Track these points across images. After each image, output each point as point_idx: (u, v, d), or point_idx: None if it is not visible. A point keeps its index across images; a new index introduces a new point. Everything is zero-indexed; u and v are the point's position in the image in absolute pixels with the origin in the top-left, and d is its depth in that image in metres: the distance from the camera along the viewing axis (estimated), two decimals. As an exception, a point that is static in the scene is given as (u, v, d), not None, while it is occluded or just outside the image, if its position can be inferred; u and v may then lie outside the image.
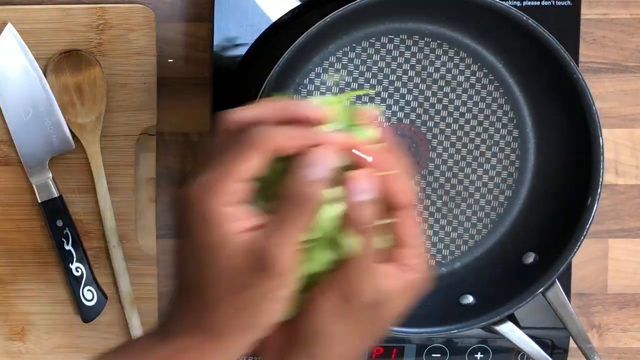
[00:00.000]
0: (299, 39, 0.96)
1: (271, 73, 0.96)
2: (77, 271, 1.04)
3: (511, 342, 1.02)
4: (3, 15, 1.03)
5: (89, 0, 1.04)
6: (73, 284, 1.04)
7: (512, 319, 1.02)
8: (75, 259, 1.03)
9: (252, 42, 1.03)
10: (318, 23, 0.96)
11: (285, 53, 0.96)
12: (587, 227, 0.99)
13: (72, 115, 1.04)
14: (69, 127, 1.04)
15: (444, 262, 1.06)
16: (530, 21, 0.97)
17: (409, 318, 1.02)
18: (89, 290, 1.04)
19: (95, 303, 1.04)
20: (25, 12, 1.03)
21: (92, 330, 1.07)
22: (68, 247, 1.03)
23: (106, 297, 1.04)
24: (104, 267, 1.06)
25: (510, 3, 1.02)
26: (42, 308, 1.06)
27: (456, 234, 1.06)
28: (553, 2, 1.05)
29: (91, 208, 1.06)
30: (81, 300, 1.04)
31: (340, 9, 0.96)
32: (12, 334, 1.06)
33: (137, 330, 1.06)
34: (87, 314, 1.04)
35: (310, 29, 0.96)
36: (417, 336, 1.05)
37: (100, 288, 1.05)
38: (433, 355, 1.07)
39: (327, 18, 0.96)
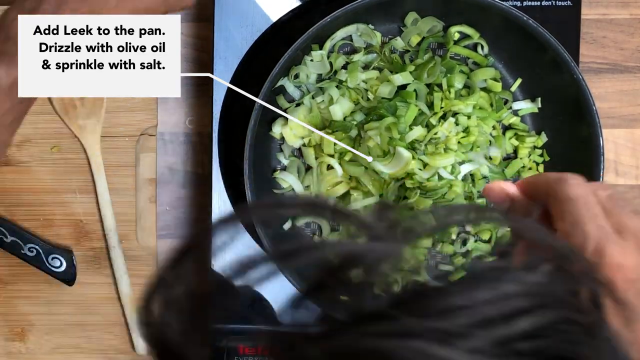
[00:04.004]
0: (299, 39, 0.96)
1: (271, 73, 0.97)
2: (32, 251, 1.04)
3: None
4: (3, 15, 1.04)
5: (89, 1, 1.04)
6: (37, 263, 1.04)
7: (512, 319, 1.02)
8: (22, 243, 1.04)
9: (252, 42, 1.03)
10: (318, 23, 0.96)
11: (286, 53, 0.96)
12: (587, 227, 0.99)
13: (72, 116, 1.04)
14: (69, 127, 1.04)
15: (444, 262, 1.06)
16: (530, 21, 0.97)
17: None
18: (53, 258, 1.04)
19: (66, 266, 1.05)
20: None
21: (92, 331, 1.07)
22: (9, 239, 1.04)
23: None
24: (104, 267, 1.06)
25: (510, 3, 1.02)
26: (42, 308, 1.07)
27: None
28: (553, 2, 1.05)
29: (91, 208, 1.06)
30: (53, 271, 1.04)
31: (340, 9, 0.96)
32: (12, 334, 1.07)
33: (136, 329, 1.06)
34: (65, 279, 1.04)
35: (310, 29, 0.96)
36: (417, 336, 1.05)
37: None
38: (433, 355, 1.07)
39: (327, 18, 0.96)
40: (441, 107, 1.01)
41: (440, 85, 1.02)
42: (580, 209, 0.71)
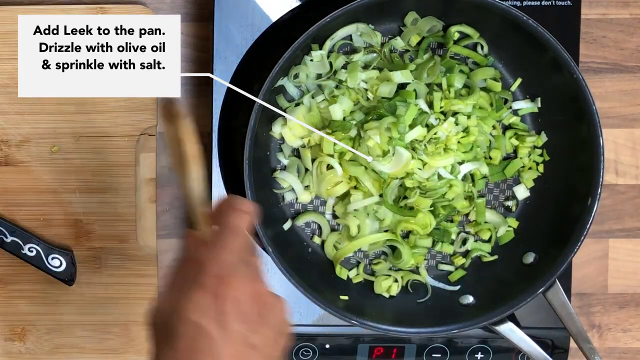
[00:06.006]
0: (299, 39, 0.96)
1: (271, 73, 0.97)
2: (32, 251, 1.04)
3: (511, 342, 1.02)
4: (5, 15, 1.03)
5: (89, 0, 1.04)
6: (37, 263, 1.04)
7: (512, 319, 1.02)
8: (22, 243, 1.04)
9: (252, 42, 1.04)
10: (318, 23, 0.96)
11: (286, 53, 0.96)
12: (587, 227, 0.99)
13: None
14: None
15: (444, 262, 1.06)
16: (530, 21, 0.97)
17: (410, 318, 1.03)
18: (53, 258, 1.04)
19: (66, 266, 1.05)
20: (26, 12, 1.03)
21: (92, 330, 1.07)
22: (9, 239, 1.04)
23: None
24: (104, 267, 1.06)
25: (510, 3, 1.02)
26: (42, 308, 1.07)
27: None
28: (553, 2, 1.05)
29: (91, 208, 1.06)
30: (53, 271, 1.04)
31: (340, 9, 0.96)
32: (12, 334, 1.07)
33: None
34: (65, 279, 1.04)
35: (310, 29, 0.96)
36: (417, 336, 1.05)
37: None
38: (433, 355, 1.07)
39: (327, 18, 0.96)
40: (441, 107, 1.01)
41: (440, 85, 1.02)
42: None
